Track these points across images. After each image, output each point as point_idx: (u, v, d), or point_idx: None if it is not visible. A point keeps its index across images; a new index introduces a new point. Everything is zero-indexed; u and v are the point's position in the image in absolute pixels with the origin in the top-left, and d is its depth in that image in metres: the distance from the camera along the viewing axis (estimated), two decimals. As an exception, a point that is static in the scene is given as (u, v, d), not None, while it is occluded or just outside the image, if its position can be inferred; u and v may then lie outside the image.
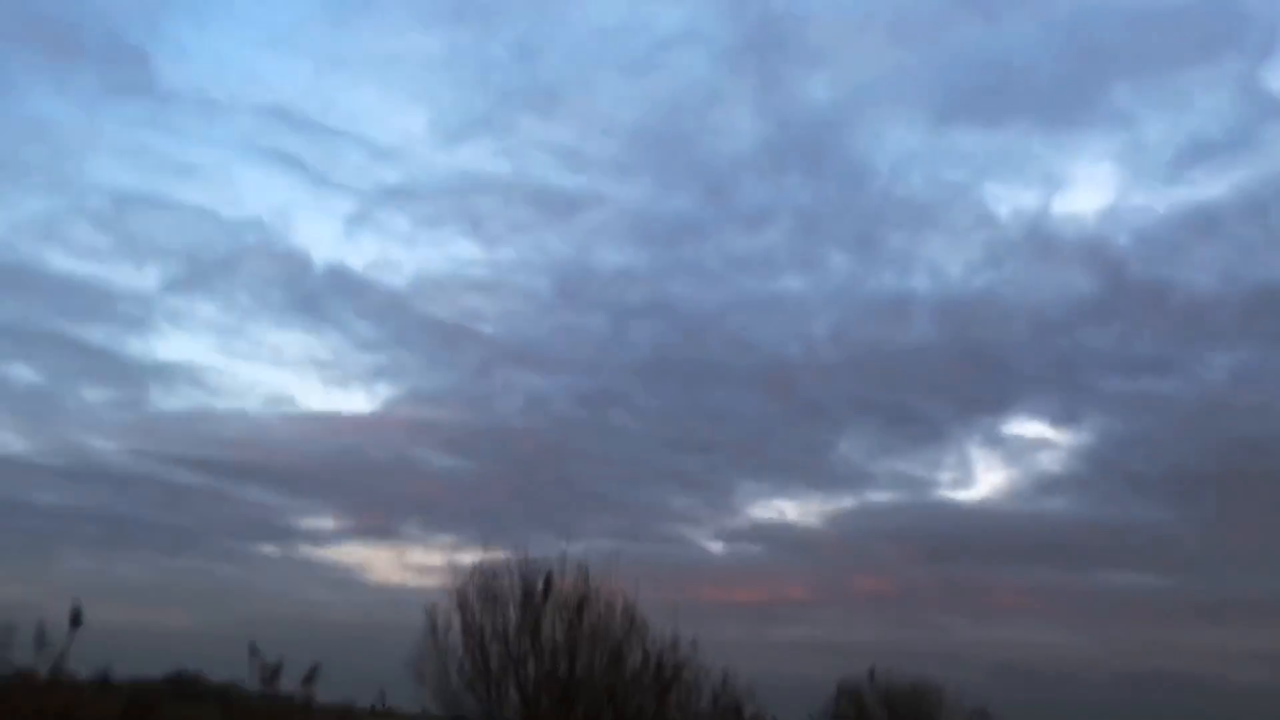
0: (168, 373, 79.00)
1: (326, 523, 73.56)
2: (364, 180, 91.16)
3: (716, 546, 79.13)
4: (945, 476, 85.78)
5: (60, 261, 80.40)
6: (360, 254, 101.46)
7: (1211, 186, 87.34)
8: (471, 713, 25.00)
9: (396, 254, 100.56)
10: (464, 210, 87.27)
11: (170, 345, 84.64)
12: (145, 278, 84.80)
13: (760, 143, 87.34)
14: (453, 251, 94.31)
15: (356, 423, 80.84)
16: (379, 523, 70.08)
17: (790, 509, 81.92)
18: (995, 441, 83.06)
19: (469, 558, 27.38)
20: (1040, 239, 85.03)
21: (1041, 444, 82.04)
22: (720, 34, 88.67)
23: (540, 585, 25.45)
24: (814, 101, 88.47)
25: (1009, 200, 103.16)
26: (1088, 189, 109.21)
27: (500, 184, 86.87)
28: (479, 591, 25.39)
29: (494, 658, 25.04)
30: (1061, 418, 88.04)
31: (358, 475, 76.65)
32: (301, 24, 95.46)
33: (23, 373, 76.52)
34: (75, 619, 27.98)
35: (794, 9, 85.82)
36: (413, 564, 68.54)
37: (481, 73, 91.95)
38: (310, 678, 30.54)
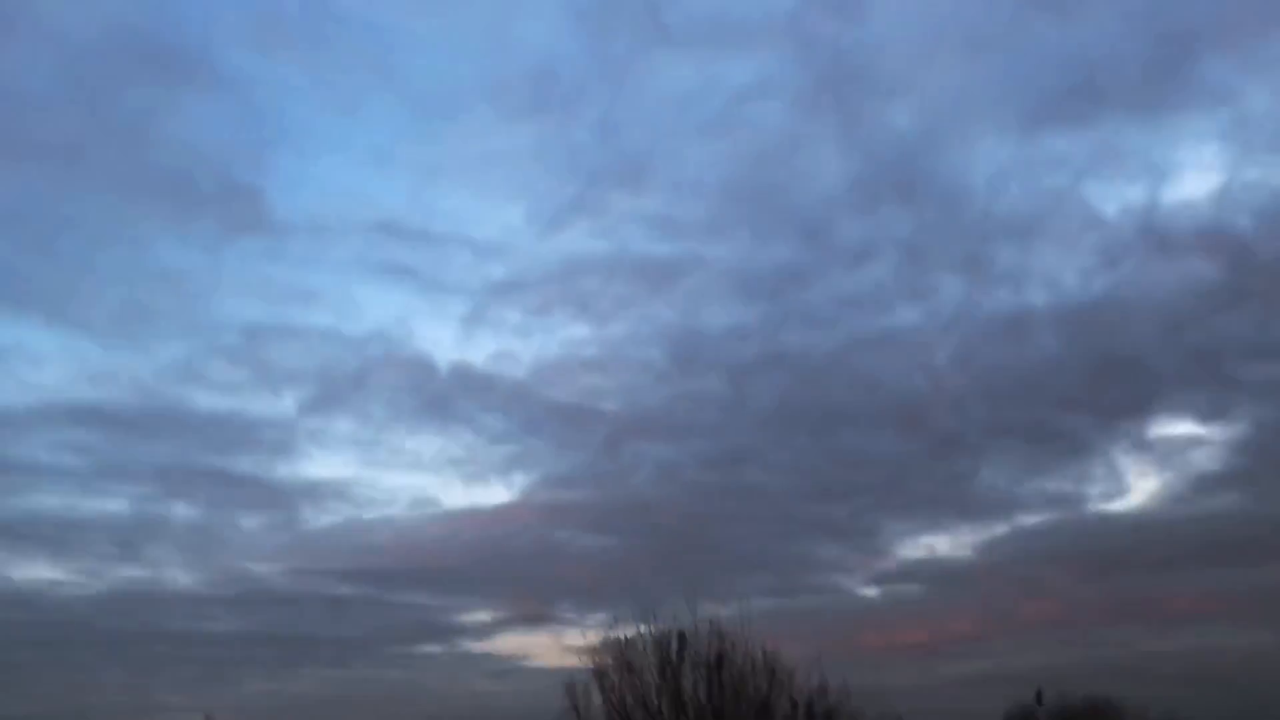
0: (315, 491, 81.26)
1: (484, 615, 74.20)
2: (473, 279, 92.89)
3: (871, 591, 76.97)
4: (1096, 489, 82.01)
5: (203, 399, 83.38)
6: (479, 350, 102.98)
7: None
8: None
9: (513, 346, 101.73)
10: (570, 293, 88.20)
11: (314, 464, 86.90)
12: (283, 403, 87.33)
13: (850, 180, 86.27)
14: (565, 335, 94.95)
15: (497, 514, 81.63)
16: (533, 609, 70.38)
17: (940, 543, 79.34)
18: (1143, 447, 79.30)
19: (614, 633, 27.05)
20: (1155, 233, 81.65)
21: (1193, 442, 78.02)
22: (793, 79, 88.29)
23: (674, 646, 25.15)
24: (898, 130, 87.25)
25: (1115, 198, 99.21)
26: (1196, 174, 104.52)
27: (601, 262, 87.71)
28: (615, 662, 25.20)
29: (637, 723, 24.80)
30: (1209, 413, 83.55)
31: (506, 565, 77.17)
32: (396, 140, 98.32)
33: (182, 510, 79.54)
34: None
35: (864, 41, 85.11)
36: (571, 645, 68.06)
37: (569, 158, 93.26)
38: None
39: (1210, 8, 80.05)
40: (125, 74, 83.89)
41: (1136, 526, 74.79)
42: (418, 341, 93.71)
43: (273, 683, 73.87)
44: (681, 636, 24.89)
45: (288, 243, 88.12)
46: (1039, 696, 38.25)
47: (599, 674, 24.66)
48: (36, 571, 75.51)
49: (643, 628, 25.25)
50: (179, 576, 77.01)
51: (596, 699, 24.99)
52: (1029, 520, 77.49)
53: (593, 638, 25.81)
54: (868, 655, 64.32)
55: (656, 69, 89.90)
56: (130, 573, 76.02)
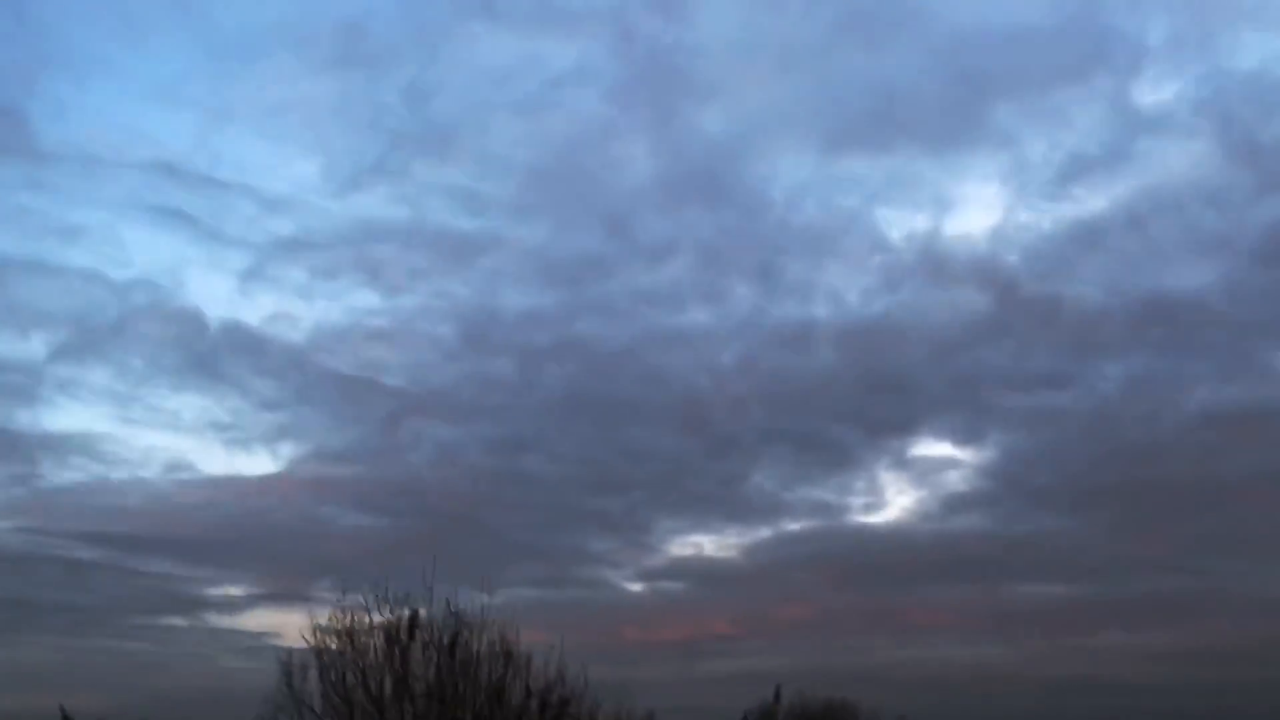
0: (59, 444, 75.45)
1: (236, 590, 70.35)
2: (256, 233, 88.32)
3: (637, 586, 77.39)
4: (857, 501, 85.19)
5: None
6: (255, 309, 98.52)
7: (1092, 201, 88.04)
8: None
9: (293, 307, 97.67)
10: (362, 259, 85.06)
11: (60, 416, 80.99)
12: (30, 346, 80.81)
13: (657, 177, 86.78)
14: (351, 302, 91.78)
15: (260, 484, 77.87)
16: (290, 586, 67.21)
17: (708, 543, 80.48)
18: (903, 464, 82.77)
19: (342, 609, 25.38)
20: (934, 261, 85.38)
21: (947, 463, 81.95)
22: (611, 70, 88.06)
23: (405, 623, 23.87)
24: (708, 134, 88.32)
25: (901, 224, 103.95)
26: (976, 209, 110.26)
27: (398, 230, 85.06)
28: (338, 638, 23.70)
29: (358, 706, 23.34)
30: (965, 436, 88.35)
31: (265, 539, 73.69)
32: (184, 77, 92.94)
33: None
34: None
35: (683, 42, 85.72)
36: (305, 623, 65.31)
37: (373, 117, 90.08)
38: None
39: (1004, 56, 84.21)
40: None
41: (890, 539, 77.98)
42: (189, 293, 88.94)
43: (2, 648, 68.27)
44: (414, 616, 23.55)
45: (52, 173, 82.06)
46: (777, 694, 38.84)
47: (319, 650, 22.96)
48: None
49: (372, 605, 23.63)
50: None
51: (313, 672, 23.22)
52: (792, 526, 79.77)
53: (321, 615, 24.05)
54: (629, 650, 64.59)
55: (474, 39, 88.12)
56: None
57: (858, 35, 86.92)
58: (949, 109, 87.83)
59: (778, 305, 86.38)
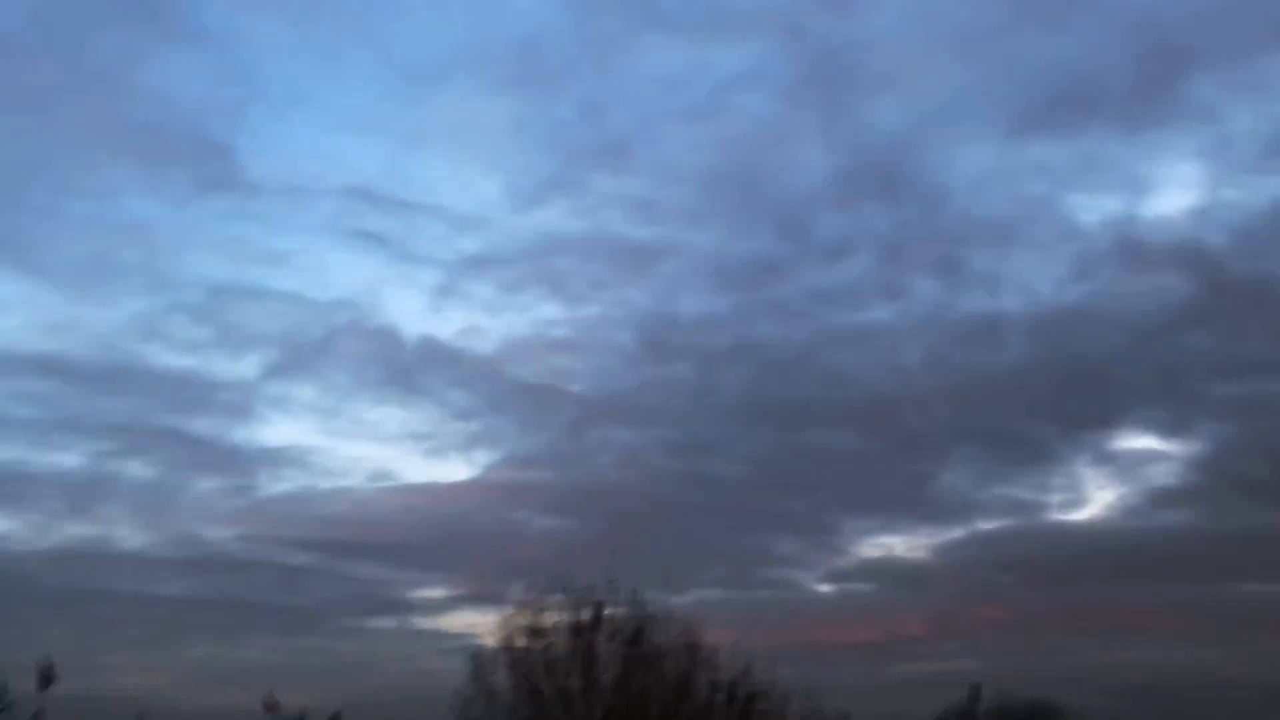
0: (273, 457, 79.87)
1: (436, 592, 72.93)
2: (446, 251, 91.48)
3: (826, 588, 76.11)
4: (1055, 498, 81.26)
5: (163, 357, 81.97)
6: (447, 324, 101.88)
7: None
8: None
9: (482, 321, 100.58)
10: (544, 272, 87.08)
11: (273, 430, 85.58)
12: (245, 366, 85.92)
13: (832, 174, 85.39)
14: (536, 314, 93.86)
15: (456, 491, 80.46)
16: (486, 588, 69.25)
17: (898, 544, 78.50)
18: (1104, 458, 78.66)
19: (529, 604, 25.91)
20: (1131, 246, 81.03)
21: (1153, 457, 77.42)
22: (782, 70, 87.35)
23: (590, 615, 24.17)
24: (883, 128, 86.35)
25: (1094, 209, 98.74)
26: (1176, 190, 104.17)
27: (577, 242, 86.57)
28: (526, 632, 24.17)
29: (545, 698, 23.75)
30: (1171, 428, 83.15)
31: (462, 542, 76.00)
32: (376, 105, 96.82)
33: (136, 469, 78.09)
34: (46, 679, 25.54)
35: (855, 37, 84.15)
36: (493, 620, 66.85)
37: (550, 134, 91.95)
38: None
39: (1200, 26, 79.48)
40: (100, 20, 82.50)
41: (1092, 537, 74.24)
42: (386, 311, 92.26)
43: (219, 648, 72.60)
44: (598, 610, 23.78)
45: (258, 203, 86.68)
46: (975, 694, 37.46)
47: (507, 646, 23.46)
48: (-11, 522, 74.18)
49: (558, 603, 23.98)
50: (130, 536, 75.68)
51: (503, 665, 23.74)
52: (987, 525, 76.85)
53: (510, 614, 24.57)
54: (819, 651, 63.62)
55: (646, 51, 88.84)
56: (80, 530, 74.65)
57: (1037, 15, 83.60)
58: (1141, 85, 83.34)
59: (963, 299, 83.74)
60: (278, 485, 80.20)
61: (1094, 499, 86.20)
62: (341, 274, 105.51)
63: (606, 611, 24.55)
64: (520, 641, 24.18)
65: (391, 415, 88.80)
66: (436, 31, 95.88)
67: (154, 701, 28.24)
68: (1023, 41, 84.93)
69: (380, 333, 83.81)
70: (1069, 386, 79.45)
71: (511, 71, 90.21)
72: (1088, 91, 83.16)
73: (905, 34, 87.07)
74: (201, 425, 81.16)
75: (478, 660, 24.30)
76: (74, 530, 74.95)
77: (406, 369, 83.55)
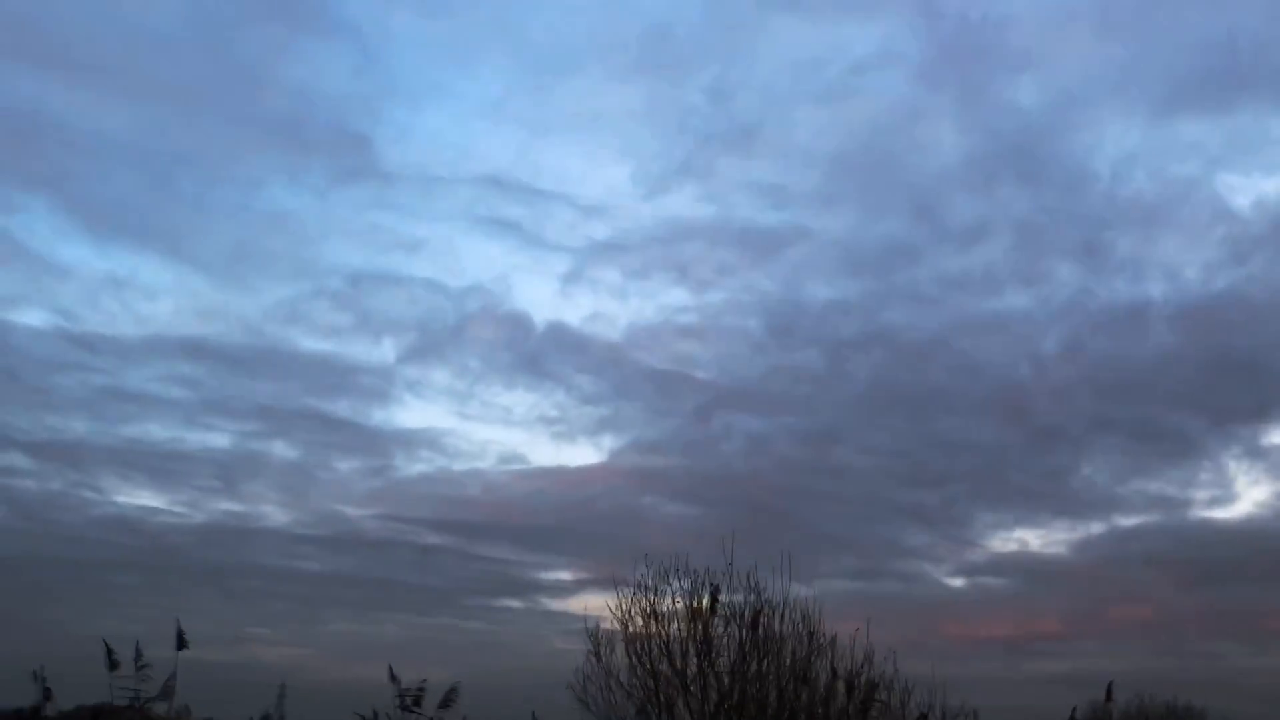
0: (409, 439, 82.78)
1: (564, 574, 74.45)
2: (575, 238, 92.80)
3: (957, 581, 75.05)
4: (1202, 494, 78.38)
5: (306, 341, 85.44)
6: (576, 310, 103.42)
7: None
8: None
9: (610, 307, 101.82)
10: (671, 258, 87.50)
11: (409, 413, 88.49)
12: (383, 350, 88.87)
13: (968, 156, 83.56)
14: (663, 299, 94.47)
15: (584, 475, 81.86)
16: (612, 571, 70.05)
17: (1033, 538, 76.90)
18: (1256, 453, 75.57)
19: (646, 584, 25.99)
20: (1287, 229, 77.27)
21: (1311, 451, 73.87)
22: (916, 50, 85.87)
23: (707, 597, 24.13)
24: (1022, 107, 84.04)
25: (1248, 190, 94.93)
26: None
27: (705, 228, 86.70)
28: (642, 611, 24.28)
29: (662, 678, 23.82)
30: (1330, 424, 79.30)
31: (590, 526, 77.48)
32: (507, 94, 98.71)
33: (281, 449, 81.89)
34: (181, 642, 27.14)
35: (992, 14, 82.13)
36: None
37: (679, 120, 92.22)
38: (448, 701, 29.95)
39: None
40: (245, 16, 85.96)
41: (1242, 535, 71.34)
42: (516, 297, 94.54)
43: (357, 624, 75.30)
44: (714, 591, 23.77)
45: (394, 192, 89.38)
46: (1109, 692, 36.18)
47: (625, 625, 23.65)
48: (141, 499, 78.31)
49: (676, 583, 24.03)
50: (274, 513, 79.02)
51: (620, 643, 23.92)
52: (1128, 521, 74.63)
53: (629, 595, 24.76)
54: (949, 646, 62.47)
55: (775, 33, 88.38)
56: (228, 506, 78.24)
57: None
58: (1301, 59, 79.35)
59: (1105, 285, 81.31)
60: (413, 466, 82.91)
61: (1244, 495, 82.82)
62: (473, 260, 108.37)
63: (724, 596, 24.33)
64: (639, 623, 24.21)
65: (521, 399, 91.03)
66: (567, 19, 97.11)
67: (293, 673, 29.48)
68: (1170, 14, 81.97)
69: (511, 318, 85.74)
70: (1218, 377, 76.50)
71: (639, 57, 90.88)
72: (1240, 65, 79.72)
73: (1044, 8, 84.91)
74: (341, 407, 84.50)
75: (596, 640, 24.47)
76: (222, 506, 78.83)
77: (536, 354, 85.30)
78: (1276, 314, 75.92)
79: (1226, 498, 77.74)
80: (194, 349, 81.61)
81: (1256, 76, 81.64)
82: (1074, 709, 34.27)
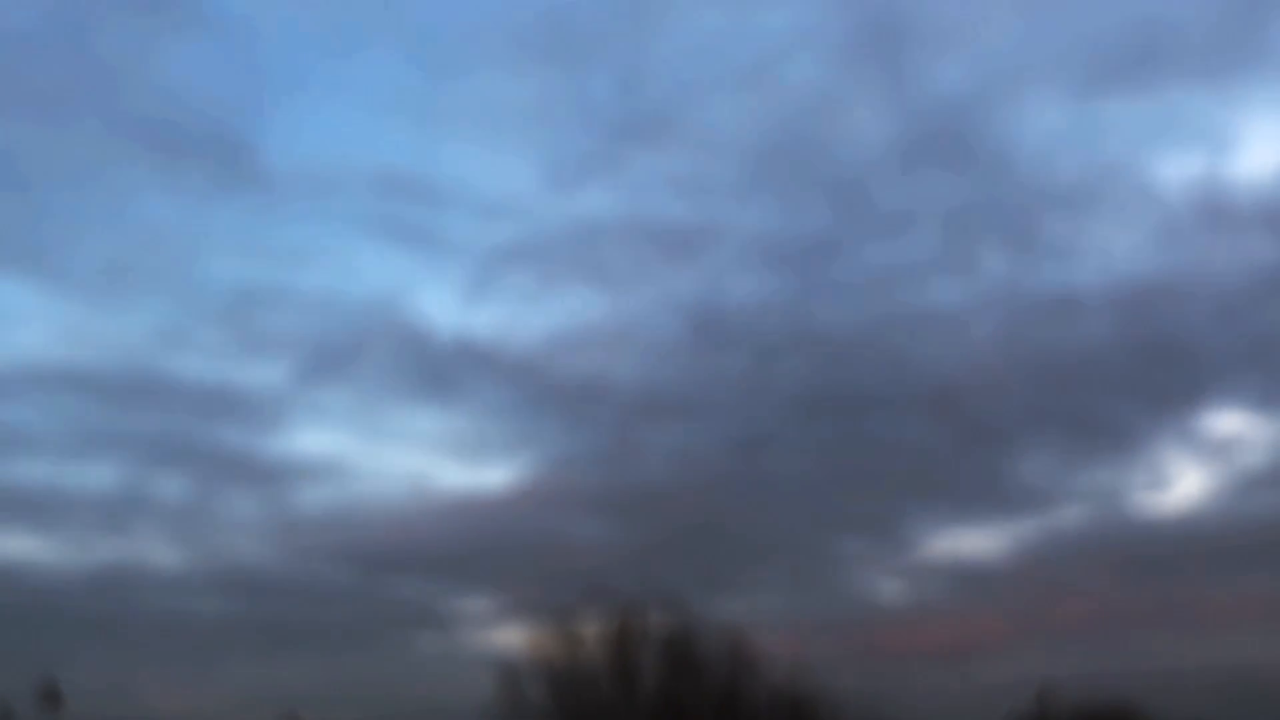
0: (307, 468, 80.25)
1: (482, 603, 73.58)
2: (479, 241, 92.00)
3: (894, 588, 75.78)
4: (1138, 484, 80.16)
5: (190, 365, 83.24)
6: (484, 319, 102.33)
7: None
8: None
9: (520, 315, 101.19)
10: (584, 260, 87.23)
11: (306, 438, 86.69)
12: (274, 372, 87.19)
13: (891, 142, 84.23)
14: (577, 305, 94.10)
15: (499, 496, 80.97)
16: (532, 599, 69.81)
17: (969, 539, 77.90)
18: (1190, 440, 77.47)
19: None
20: (1216, 210, 79.62)
21: (1244, 436, 76.18)
22: (833, 30, 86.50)
23: (629, 625, 24.42)
24: (945, 90, 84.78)
25: (1175, 171, 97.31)
26: (1265, 146, 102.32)
27: (618, 227, 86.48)
28: (560, 642, 24.49)
29: (585, 711, 24.07)
30: (1263, 405, 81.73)
31: (506, 551, 76.41)
32: (399, 88, 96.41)
33: (169, 484, 79.11)
34: (51, 698, 25.09)
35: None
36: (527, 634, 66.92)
37: (586, 111, 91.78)
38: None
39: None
40: (108, 12, 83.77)
41: (1178, 525, 73.08)
42: (418, 308, 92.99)
43: (258, 670, 73.84)
44: (635, 621, 24.04)
45: (280, 197, 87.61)
46: (1040, 698, 37.16)
47: (540, 656, 23.81)
48: (17, 545, 75.98)
49: (595, 613, 24.26)
50: (164, 554, 77.03)
51: (539, 678, 24.07)
52: (1065, 515, 75.93)
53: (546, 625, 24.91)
54: (885, 656, 63.37)
55: (683, 16, 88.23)
56: (114, 548, 76.11)
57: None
58: (1226, 35, 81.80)
59: (1036, 273, 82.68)
60: (314, 496, 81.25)
61: (1179, 484, 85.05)
62: (370, 270, 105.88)
63: (647, 620, 24.62)
64: (555, 653, 24.39)
65: (428, 418, 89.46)
66: (460, 5, 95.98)
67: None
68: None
69: (412, 331, 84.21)
70: (1152, 364, 78.15)
71: (541, 45, 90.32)
72: (1165, 44, 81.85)
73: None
74: (232, 435, 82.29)
75: (506, 675, 24.58)
76: (107, 549, 76.82)
77: (442, 369, 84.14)
78: (1208, 296, 78.34)
79: (1162, 486, 79.84)
80: (66, 378, 79.25)
81: (1178, 54, 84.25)
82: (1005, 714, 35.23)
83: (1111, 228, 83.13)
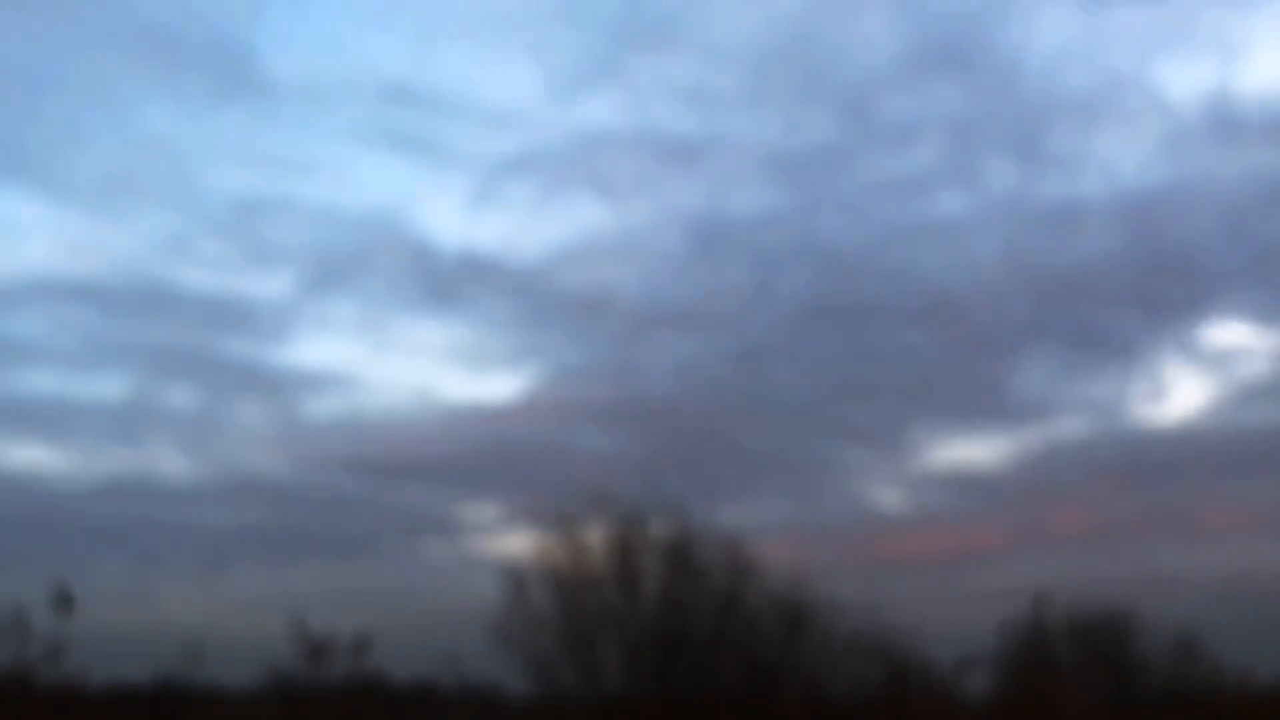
0: (313, 378, 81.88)
1: (487, 513, 75.10)
2: (482, 152, 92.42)
3: (893, 498, 77.18)
4: (1138, 396, 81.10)
5: (194, 277, 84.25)
6: (488, 231, 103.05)
7: None
8: (567, 680, 25.00)
9: (524, 227, 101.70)
10: (587, 171, 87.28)
11: (312, 350, 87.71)
12: (278, 283, 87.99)
13: (897, 52, 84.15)
14: (581, 217, 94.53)
15: (503, 407, 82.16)
16: (538, 507, 71.09)
17: (970, 450, 79.07)
18: (1191, 351, 78.20)
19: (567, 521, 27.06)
20: (1224, 120, 79.49)
21: (1245, 348, 76.91)
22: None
23: (631, 534, 25.29)
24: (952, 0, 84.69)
25: (1184, 81, 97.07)
26: (1276, 57, 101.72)
27: (622, 137, 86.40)
28: (564, 547, 25.38)
29: (589, 616, 25.03)
30: (1266, 317, 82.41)
31: (511, 460, 77.74)
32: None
33: (177, 394, 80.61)
34: (64, 602, 25.92)
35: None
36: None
37: (591, 17, 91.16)
38: (359, 651, 30.26)
39: None
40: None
41: (1177, 436, 74.19)
42: (421, 220, 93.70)
43: (267, 577, 75.51)
44: (639, 527, 24.91)
45: (282, 108, 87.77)
46: (1036, 605, 38.32)
47: (544, 562, 24.73)
48: (28, 455, 77.26)
49: (599, 519, 25.13)
50: (174, 463, 78.42)
51: (545, 583, 25.03)
52: (1064, 426, 77.03)
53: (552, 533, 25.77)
54: (885, 565, 64.77)
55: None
56: (124, 458, 77.45)
57: None
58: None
59: (1041, 184, 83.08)
60: (320, 406, 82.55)
61: (1179, 395, 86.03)
62: (372, 181, 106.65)
63: (649, 529, 25.50)
64: (559, 560, 25.31)
65: (432, 330, 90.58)
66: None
67: (200, 631, 29.94)
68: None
69: (416, 243, 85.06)
70: (1155, 275, 78.75)
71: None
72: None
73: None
74: (238, 346, 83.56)
75: (514, 580, 25.50)
76: (117, 458, 78.11)
77: (445, 281, 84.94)
78: (1213, 208, 78.58)
79: (1162, 398, 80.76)
80: (73, 290, 79.99)
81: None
82: (1000, 626, 36.42)
83: (1118, 139, 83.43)
